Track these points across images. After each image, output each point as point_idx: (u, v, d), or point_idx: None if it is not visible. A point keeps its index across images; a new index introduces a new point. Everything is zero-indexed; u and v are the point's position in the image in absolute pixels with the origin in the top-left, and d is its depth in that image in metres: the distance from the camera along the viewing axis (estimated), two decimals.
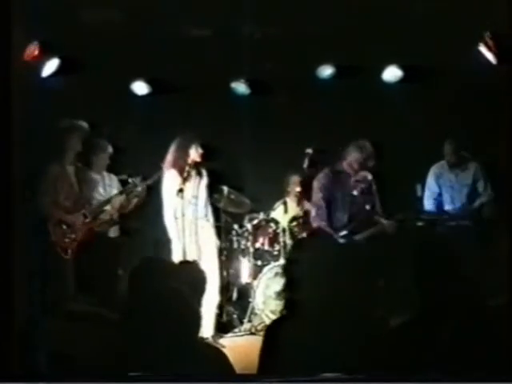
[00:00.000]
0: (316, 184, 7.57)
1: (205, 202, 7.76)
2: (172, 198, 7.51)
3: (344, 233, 7.36)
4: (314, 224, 7.53)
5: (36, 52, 7.30)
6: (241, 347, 7.25)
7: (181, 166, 7.54)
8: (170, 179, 7.56)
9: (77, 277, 6.83)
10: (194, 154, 7.55)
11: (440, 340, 3.52)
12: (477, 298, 3.82)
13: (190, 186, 7.54)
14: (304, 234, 7.93)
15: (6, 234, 4.52)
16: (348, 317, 3.51)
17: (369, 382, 3.37)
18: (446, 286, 3.72)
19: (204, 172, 7.74)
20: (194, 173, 7.63)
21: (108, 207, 7.63)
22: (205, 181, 7.74)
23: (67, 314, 4.09)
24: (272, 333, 3.79)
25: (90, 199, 7.59)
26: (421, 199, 8.07)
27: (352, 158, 7.48)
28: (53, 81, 7.68)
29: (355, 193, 7.52)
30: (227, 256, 8.29)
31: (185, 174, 7.54)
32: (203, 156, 7.63)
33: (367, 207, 7.50)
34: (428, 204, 8.07)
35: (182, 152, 7.56)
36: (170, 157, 7.60)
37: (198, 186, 7.66)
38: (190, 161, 7.55)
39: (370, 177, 7.60)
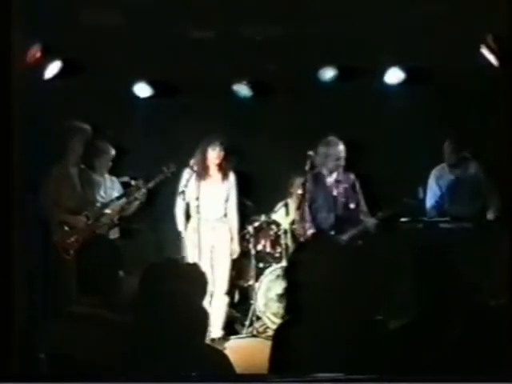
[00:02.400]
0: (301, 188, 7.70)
1: (223, 203, 7.79)
2: (180, 199, 7.58)
3: (332, 233, 7.44)
4: (299, 225, 7.64)
5: (38, 54, 7.29)
6: (243, 349, 7.26)
7: (199, 167, 7.60)
8: (183, 181, 7.63)
9: (78, 277, 6.83)
10: (213, 155, 7.62)
11: (441, 341, 3.51)
12: (477, 298, 3.83)
13: (193, 188, 7.56)
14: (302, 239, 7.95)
15: (8, 233, 4.51)
16: (348, 318, 3.51)
17: (371, 382, 3.37)
18: (447, 287, 3.72)
19: (231, 176, 7.79)
20: (218, 175, 7.70)
21: (110, 210, 7.65)
22: (229, 184, 7.79)
23: (68, 314, 4.09)
24: (278, 335, 3.80)
25: (92, 201, 7.62)
26: (422, 201, 8.05)
27: (324, 156, 7.58)
28: (55, 83, 7.68)
29: (335, 193, 7.61)
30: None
31: (187, 176, 7.58)
32: (224, 157, 7.69)
33: (351, 206, 7.59)
34: (430, 206, 8.07)
35: (201, 153, 7.63)
36: (196, 158, 7.67)
37: (219, 189, 7.71)
38: (210, 162, 7.63)
39: (352, 176, 7.76)
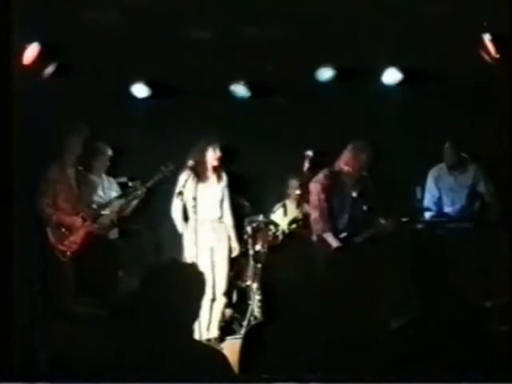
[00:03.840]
0: (315, 185, 7.59)
1: (220, 203, 7.80)
2: (177, 200, 7.59)
3: (344, 234, 7.40)
4: (317, 226, 7.53)
5: (36, 55, 7.29)
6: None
7: (196, 169, 7.61)
8: (181, 181, 7.64)
9: (75, 278, 6.85)
10: (212, 156, 7.64)
11: (438, 341, 3.52)
12: (477, 298, 3.83)
13: (189, 189, 7.57)
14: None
15: (6, 235, 4.52)
16: (341, 319, 3.52)
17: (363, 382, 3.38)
18: (446, 287, 3.72)
19: (224, 175, 7.80)
20: (213, 176, 7.71)
21: (107, 211, 7.65)
22: (223, 184, 7.80)
23: (66, 315, 4.10)
24: (252, 335, 3.81)
25: (89, 202, 7.62)
26: (421, 202, 8.06)
27: (351, 158, 7.54)
28: (52, 83, 7.67)
29: (355, 194, 7.55)
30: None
31: (185, 177, 7.59)
32: (220, 159, 7.70)
33: (364, 208, 7.53)
34: (428, 207, 8.07)
35: (198, 154, 7.63)
36: (191, 158, 7.66)
37: (215, 189, 7.72)
38: (208, 163, 7.64)
39: (366, 178, 7.67)
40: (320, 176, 7.64)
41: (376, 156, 7.94)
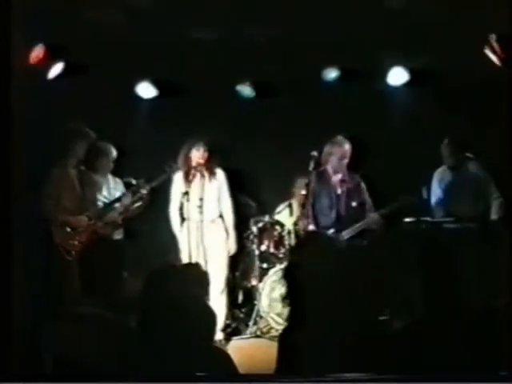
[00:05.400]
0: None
1: (215, 202, 7.80)
2: (177, 200, 7.59)
3: (332, 231, 7.45)
4: (303, 222, 7.64)
5: (41, 55, 7.31)
6: (246, 350, 7.23)
7: (188, 169, 7.61)
8: (176, 182, 7.65)
9: (80, 278, 6.83)
10: (197, 155, 7.63)
11: (443, 341, 3.51)
12: (480, 298, 3.82)
13: (195, 188, 7.58)
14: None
15: (9, 235, 4.52)
16: (350, 318, 3.51)
17: (374, 382, 3.36)
18: (450, 287, 3.71)
19: (219, 173, 7.80)
20: (206, 174, 7.70)
21: (112, 211, 7.66)
22: (218, 183, 7.79)
23: (69, 315, 4.10)
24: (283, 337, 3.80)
25: (93, 202, 7.62)
26: (426, 202, 8.04)
27: (329, 155, 7.59)
28: (58, 84, 7.69)
29: (339, 191, 7.60)
30: (233, 258, 8.29)
31: (190, 177, 7.60)
32: (208, 158, 7.69)
33: (353, 204, 7.58)
34: (433, 207, 8.06)
35: (187, 154, 7.64)
36: (179, 159, 7.66)
37: (210, 188, 7.72)
38: (194, 163, 7.64)
39: (357, 176, 7.79)
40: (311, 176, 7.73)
41: (380, 155, 7.97)
